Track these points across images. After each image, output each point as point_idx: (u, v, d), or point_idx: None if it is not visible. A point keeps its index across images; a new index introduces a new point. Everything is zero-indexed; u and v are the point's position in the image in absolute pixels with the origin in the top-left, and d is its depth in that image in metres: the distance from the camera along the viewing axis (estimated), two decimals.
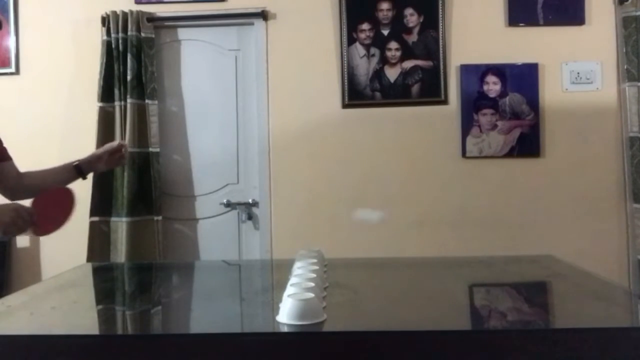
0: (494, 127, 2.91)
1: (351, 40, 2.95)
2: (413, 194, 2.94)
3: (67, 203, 1.91)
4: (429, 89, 2.94)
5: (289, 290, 1.26)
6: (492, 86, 2.91)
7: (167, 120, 3.08)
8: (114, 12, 2.94)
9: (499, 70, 2.91)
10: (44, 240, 3.07)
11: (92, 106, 2.97)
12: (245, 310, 1.42)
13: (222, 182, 3.08)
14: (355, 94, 2.96)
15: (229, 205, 3.05)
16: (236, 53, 3.08)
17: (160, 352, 1.12)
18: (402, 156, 2.96)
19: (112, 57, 2.94)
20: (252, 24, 3.03)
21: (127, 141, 2.88)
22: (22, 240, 3.08)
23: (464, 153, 2.93)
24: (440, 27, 2.92)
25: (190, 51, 3.10)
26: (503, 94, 2.91)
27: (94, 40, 3.01)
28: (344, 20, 2.95)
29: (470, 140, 2.92)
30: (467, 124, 2.92)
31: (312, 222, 2.97)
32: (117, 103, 2.94)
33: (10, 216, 1.53)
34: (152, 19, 2.98)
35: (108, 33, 2.95)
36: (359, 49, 2.95)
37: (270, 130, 3.00)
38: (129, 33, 2.92)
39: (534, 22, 2.93)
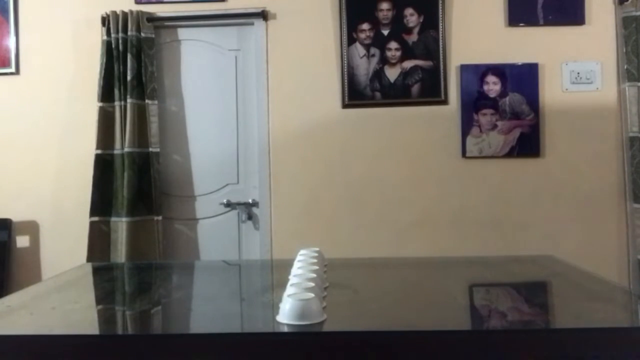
0: (494, 127, 2.91)
1: (351, 40, 2.95)
2: (413, 194, 2.94)
3: None
4: (429, 89, 2.94)
5: (289, 290, 1.26)
6: (492, 86, 2.91)
7: (167, 120, 3.08)
8: (114, 12, 2.94)
9: (499, 70, 2.91)
10: (44, 240, 3.07)
11: (92, 106, 2.98)
12: (245, 310, 1.42)
13: (222, 182, 3.08)
14: (355, 94, 2.96)
15: (229, 205, 3.05)
16: (236, 53, 3.08)
17: (160, 352, 1.12)
18: (402, 156, 2.96)
19: (112, 57, 2.94)
20: (252, 24, 3.03)
21: (127, 141, 2.88)
22: (22, 240, 3.08)
23: (464, 153, 2.93)
24: (440, 27, 2.92)
25: (190, 51, 3.10)
26: (503, 94, 2.91)
27: (94, 40, 3.02)
28: (344, 20, 2.95)
29: (470, 140, 2.92)
30: (467, 124, 2.92)
31: (312, 222, 2.97)
32: (117, 103, 2.94)
33: None
34: (152, 19, 2.98)
35: (108, 33, 2.95)
36: (359, 49, 2.95)
37: (270, 130, 3.00)
38: (129, 33, 2.92)
39: (534, 22, 2.93)
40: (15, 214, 3.05)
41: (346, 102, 2.97)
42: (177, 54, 3.10)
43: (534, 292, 1.61)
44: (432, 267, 1.98)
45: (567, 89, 2.92)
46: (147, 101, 2.94)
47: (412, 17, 2.94)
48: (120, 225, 2.90)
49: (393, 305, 1.42)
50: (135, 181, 2.90)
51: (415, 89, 2.94)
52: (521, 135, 2.90)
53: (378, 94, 2.95)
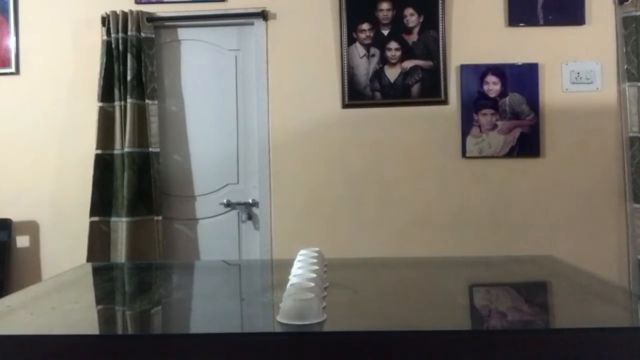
0: (494, 127, 2.91)
1: (351, 40, 2.95)
2: (413, 194, 2.94)
3: None
4: (429, 89, 2.94)
5: (289, 290, 1.26)
6: (492, 86, 2.91)
7: (167, 120, 3.08)
8: (114, 12, 2.94)
9: (499, 70, 2.91)
10: (44, 240, 3.07)
11: (92, 106, 2.97)
12: (245, 310, 1.42)
13: (222, 182, 3.08)
14: (355, 94, 2.96)
15: (229, 205, 3.05)
16: (236, 53, 3.08)
17: (160, 352, 1.12)
18: (402, 156, 2.96)
19: (112, 57, 2.94)
20: (252, 24, 3.03)
21: (127, 141, 2.88)
22: (22, 240, 3.08)
23: (464, 153, 2.93)
24: (440, 27, 2.92)
25: (190, 51, 3.10)
26: (503, 94, 2.91)
27: (94, 40, 3.02)
28: (344, 20, 2.95)
29: (470, 140, 2.92)
30: (467, 124, 2.92)
31: (312, 222, 2.97)
32: (117, 103, 2.94)
33: None
34: (152, 19, 2.98)
35: (108, 33, 2.95)
36: (359, 49, 2.95)
37: (270, 130, 3.00)
38: (129, 33, 2.92)
39: (534, 22, 2.93)
40: (15, 214, 3.05)
41: (346, 102, 2.97)
42: (177, 54, 3.10)
43: (534, 292, 1.61)
44: (432, 267, 1.98)
45: (567, 89, 2.92)
46: (147, 101, 2.94)
47: (412, 17, 2.94)
48: (120, 225, 2.90)
49: (393, 305, 1.42)
50: (135, 181, 2.90)
51: (415, 89, 2.94)
52: (521, 135, 2.90)
53: (378, 94, 2.95)
